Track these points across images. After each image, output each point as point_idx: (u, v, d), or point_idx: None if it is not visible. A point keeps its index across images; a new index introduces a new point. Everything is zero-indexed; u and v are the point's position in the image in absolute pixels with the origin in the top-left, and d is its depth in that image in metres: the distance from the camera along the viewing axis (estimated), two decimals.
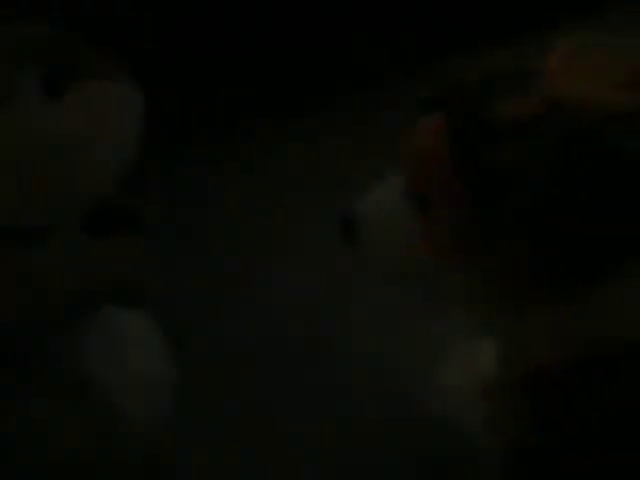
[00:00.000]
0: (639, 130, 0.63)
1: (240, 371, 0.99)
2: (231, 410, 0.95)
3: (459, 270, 0.70)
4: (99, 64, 0.72)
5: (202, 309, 1.07)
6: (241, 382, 0.98)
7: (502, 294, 0.68)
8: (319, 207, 1.18)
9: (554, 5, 1.48)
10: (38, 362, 0.74)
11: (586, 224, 0.62)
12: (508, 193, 0.62)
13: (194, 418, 0.91)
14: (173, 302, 1.03)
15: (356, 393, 0.97)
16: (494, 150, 0.63)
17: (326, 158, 1.36)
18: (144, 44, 1.13)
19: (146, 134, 0.75)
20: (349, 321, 1.07)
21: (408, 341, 1.02)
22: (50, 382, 0.74)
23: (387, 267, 0.76)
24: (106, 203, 0.80)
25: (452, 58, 0.81)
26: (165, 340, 0.84)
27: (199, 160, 1.30)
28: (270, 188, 1.29)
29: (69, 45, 0.71)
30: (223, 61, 1.43)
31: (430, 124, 0.69)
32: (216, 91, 1.41)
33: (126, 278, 0.71)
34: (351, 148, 1.37)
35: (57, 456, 0.73)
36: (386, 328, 1.05)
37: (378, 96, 1.48)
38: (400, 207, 0.72)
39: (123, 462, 0.77)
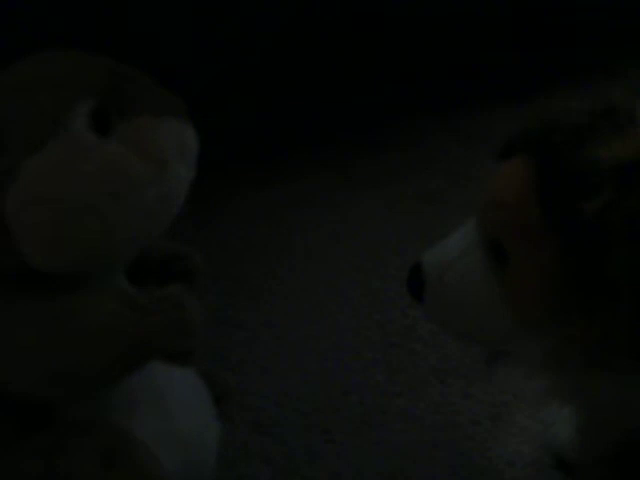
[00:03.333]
0: None
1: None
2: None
3: (542, 330, 0.63)
4: (153, 99, 0.66)
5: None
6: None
7: (593, 358, 0.61)
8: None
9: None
10: (77, 416, 0.68)
11: None
12: (613, 245, 0.56)
13: None
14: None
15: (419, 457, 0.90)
16: (594, 198, 0.56)
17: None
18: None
19: None
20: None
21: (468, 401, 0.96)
22: (91, 439, 0.68)
23: (455, 325, 0.69)
24: (154, 249, 0.75)
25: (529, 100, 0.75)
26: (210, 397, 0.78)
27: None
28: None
29: (123, 77, 0.66)
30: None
31: (513, 169, 0.63)
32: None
33: (175, 335, 0.65)
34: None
35: None
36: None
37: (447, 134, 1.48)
38: (475, 257, 0.65)
39: None
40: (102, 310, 0.64)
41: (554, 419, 0.86)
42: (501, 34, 1.68)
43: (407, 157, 1.50)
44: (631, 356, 0.58)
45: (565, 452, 0.83)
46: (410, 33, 1.61)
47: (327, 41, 1.55)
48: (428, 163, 1.49)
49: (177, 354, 0.65)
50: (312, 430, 0.93)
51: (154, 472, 0.69)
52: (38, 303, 0.65)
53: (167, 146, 0.65)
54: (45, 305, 0.65)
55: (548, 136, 0.61)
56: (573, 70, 1.52)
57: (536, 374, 0.72)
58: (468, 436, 0.91)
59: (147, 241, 0.69)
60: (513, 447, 0.89)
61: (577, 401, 0.69)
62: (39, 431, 0.68)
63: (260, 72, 1.49)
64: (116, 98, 0.64)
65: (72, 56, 0.66)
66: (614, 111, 0.61)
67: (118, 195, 0.63)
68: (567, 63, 1.60)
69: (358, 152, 1.53)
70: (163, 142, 0.65)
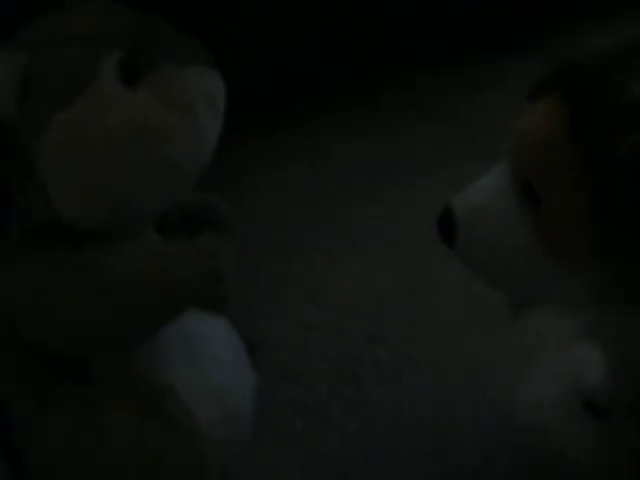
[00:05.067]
0: None
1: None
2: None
3: (573, 269, 0.63)
4: (180, 48, 0.65)
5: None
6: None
7: (633, 295, 0.61)
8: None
9: None
10: (114, 371, 0.69)
11: None
12: None
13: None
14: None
15: (446, 402, 0.90)
16: (628, 134, 0.56)
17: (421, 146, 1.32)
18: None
19: None
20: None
21: (494, 348, 0.96)
22: (125, 392, 0.68)
23: (489, 268, 0.69)
24: (184, 201, 0.75)
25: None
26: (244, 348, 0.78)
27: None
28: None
29: (150, 28, 0.65)
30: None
31: (543, 109, 0.63)
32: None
33: (209, 284, 0.65)
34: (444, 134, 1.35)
35: (136, 473, 0.67)
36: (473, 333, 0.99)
37: (474, 78, 1.46)
38: (506, 200, 0.65)
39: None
40: (133, 260, 0.64)
41: (584, 361, 0.86)
42: None
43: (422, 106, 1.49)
44: None
45: (595, 394, 0.84)
46: None
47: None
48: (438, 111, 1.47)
49: (210, 302, 0.65)
50: (341, 379, 0.94)
51: (190, 424, 0.69)
52: (69, 255, 0.64)
53: (195, 95, 0.65)
54: (76, 256, 0.64)
55: (580, 74, 0.61)
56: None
57: (569, 315, 0.72)
58: (494, 380, 0.92)
59: (178, 192, 0.69)
60: (541, 391, 0.89)
61: (610, 339, 0.69)
62: (74, 384, 0.69)
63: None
64: (143, 48, 0.64)
65: (97, 8, 0.66)
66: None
67: (147, 145, 0.63)
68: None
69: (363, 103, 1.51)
70: (191, 91, 0.65)
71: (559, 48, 0.68)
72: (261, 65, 1.46)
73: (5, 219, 0.68)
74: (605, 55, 0.61)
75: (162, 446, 0.67)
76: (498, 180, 0.67)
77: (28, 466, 0.69)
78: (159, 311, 0.66)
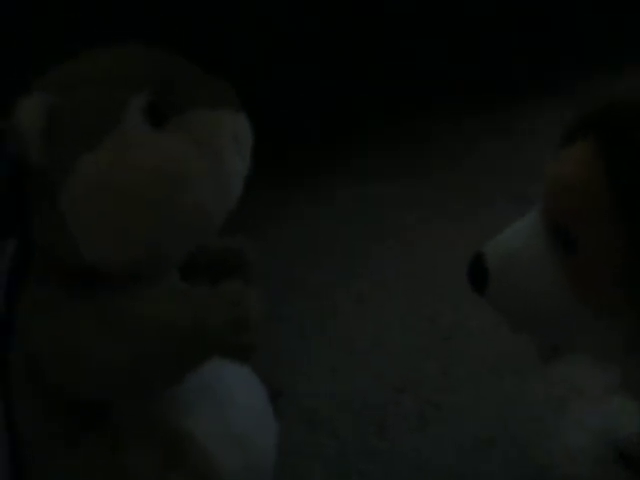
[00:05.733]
0: None
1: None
2: None
3: (607, 319, 0.61)
4: (207, 90, 0.65)
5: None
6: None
7: None
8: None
9: None
10: (137, 417, 0.67)
11: None
12: None
13: None
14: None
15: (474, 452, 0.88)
16: None
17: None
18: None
19: None
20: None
21: (524, 395, 0.94)
22: (151, 439, 0.67)
23: (519, 315, 0.67)
24: (204, 245, 0.73)
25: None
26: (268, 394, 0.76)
27: None
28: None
29: (177, 69, 0.65)
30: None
31: (579, 153, 0.61)
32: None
33: (234, 331, 0.63)
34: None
35: None
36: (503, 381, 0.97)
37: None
38: (539, 246, 0.63)
39: None
40: (161, 308, 0.63)
41: (617, 413, 0.84)
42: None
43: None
44: None
45: (629, 446, 0.81)
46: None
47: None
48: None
49: (236, 350, 0.64)
50: (366, 427, 0.92)
51: (213, 473, 0.67)
52: (98, 303, 0.63)
53: (222, 138, 0.64)
54: (105, 305, 0.63)
55: (616, 117, 0.59)
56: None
57: (600, 366, 0.70)
58: (526, 431, 0.89)
59: (200, 238, 0.68)
60: (573, 442, 0.87)
61: None
62: (97, 429, 0.67)
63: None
64: (170, 91, 0.63)
65: (125, 51, 0.65)
66: None
67: (174, 188, 0.62)
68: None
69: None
70: (218, 134, 0.64)
71: (592, 93, 0.66)
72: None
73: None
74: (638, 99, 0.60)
75: None
76: (531, 226, 0.65)
77: None
78: (184, 358, 0.64)
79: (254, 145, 0.67)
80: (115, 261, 0.63)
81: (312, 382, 0.98)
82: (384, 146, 1.52)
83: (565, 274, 0.62)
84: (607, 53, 1.56)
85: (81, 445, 0.66)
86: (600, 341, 0.64)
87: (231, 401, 0.71)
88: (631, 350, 0.62)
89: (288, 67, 1.47)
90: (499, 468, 0.86)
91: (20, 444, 0.69)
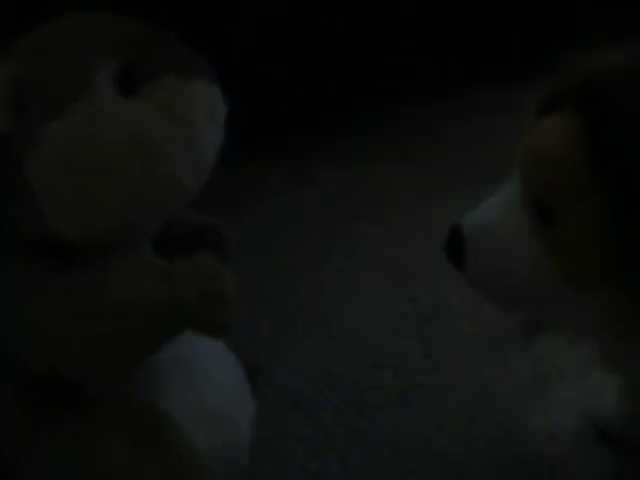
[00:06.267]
0: None
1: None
2: None
3: (588, 292, 0.61)
4: (181, 60, 0.63)
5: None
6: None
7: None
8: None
9: None
10: (111, 397, 0.66)
11: None
12: None
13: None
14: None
15: (456, 431, 0.87)
16: None
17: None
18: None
19: None
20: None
21: (506, 373, 0.93)
22: (121, 419, 0.66)
23: (498, 289, 0.66)
24: (182, 219, 0.72)
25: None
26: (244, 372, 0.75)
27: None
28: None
29: (149, 38, 0.63)
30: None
31: (557, 125, 0.60)
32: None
33: (209, 306, 0.62)
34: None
35: None
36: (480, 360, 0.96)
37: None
38: (518, 218, 0.62)
39: None
40: (137, 283, 0.62)
41: (597, 390, 0.83)
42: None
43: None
44: None
45: (608, 424, 0.81)
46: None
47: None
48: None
49: (211, 325, 0.63)
50: (346, 406, 0.91)
51: (185, 450, 0.66)
52: (67, 277, 0.62)
53: (194, 108, 0.63)
54: (71, 279, 0.62)
55: (593, 88, 0.58)
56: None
57: (580, 341, 0.69)
58: (506, 409, 0.89)
59: (174, 209, 0.67)
60: (553, 419, 0.86)
61: (625, 368, 0.66)
62: (70, 411, 0.66)
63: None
64: (142, 59, 0.62)
65: (97, 17, 0.64)
66: None
67: (143, 158, 0.61)
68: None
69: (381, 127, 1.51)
70: (190, 104, 0.63)
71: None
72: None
73: None
74: (615, 69, 0.59)
75: (157, 473, 0.64)
76: (509, 198, 0.64)
77: None
78: (159, 332, 0.63)
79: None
80: (85, 232, 0.62)
81: (293, 361, 0.97)
82: (368, 130, 1.52)
83: (544, 246, 0.61)
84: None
85: (47, 433, 0.65)
86: (580, 314, 0.63)
87: (205, 376, 0.70)
88: (610, 323, 0.61)
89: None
90: (479, 446, 0.86)
91: None
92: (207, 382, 0.70)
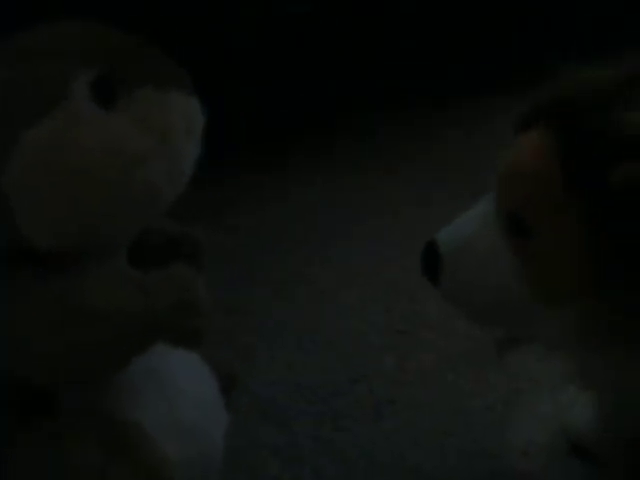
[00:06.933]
0: None
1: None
2: None
3: (562, 308, 0.61)
4: (159, 70, 0.63)
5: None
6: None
7: (621, 334, 0.58)
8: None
9: None
10: (81, 406, 0.65)
11: None
12: None
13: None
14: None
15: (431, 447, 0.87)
16: (619, 165, 0.54)
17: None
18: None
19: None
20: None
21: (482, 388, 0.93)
22: (92, 429, 0.65)
23: (474, 305, 0.66)
24: (158, 228, 0.72)
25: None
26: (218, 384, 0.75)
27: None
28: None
29: (130, 49, 0.63)
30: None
31: (532, 141, 0.60)
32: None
33: (183, 316, 0.62)
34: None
35: None
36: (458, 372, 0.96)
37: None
38: (493, 233, 0.63)
39: None
40: (109, 292, 0.61)
41: (570, 404, 0.83)
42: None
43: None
44: None
45: (582, 438, 0.81)
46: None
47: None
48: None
49: (186, 336, 0.62)
50: (320, 419, 0.91)
51: (157, 462, 0.66)
52: (41, 286, 0.62)
53: (171, 119, 0.63)
54: (46, 286, 0.62)
55: (568, 104, 0.59)
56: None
57: (555, 355, 0.69)
58: (481, 423, 0.89)
59: (149, 219, 0.67)
60: (527, 434, 0.87)
61: (600, 382, 0.66)
62: (40, 419, 0.66)
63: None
64: (121, 68, 0.61)
65: (76, 26, 0.63)
66: (638, 78, 0.59)
67: (119, 168, 0.60)
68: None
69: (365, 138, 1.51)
70: (167, 115, 0.62)
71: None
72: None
73: None
74: (591, 85, 0.59)
75: None
76: (484, 212, 0.64)
77: None
78: (133, 343, 0.63)
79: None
80: (59, 242, 0.62)
81: (266, 373, 0.97)
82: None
83: (520, 260, 0.61)
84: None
85: (17, 440, 0.65)
86: (556, 329, 0.63)
87: (178, 388, 0.69)
88: (587, 336, 0.61)
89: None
90: (454, 461, 0.86)
91: None
92: (180, 394, 0.69)
